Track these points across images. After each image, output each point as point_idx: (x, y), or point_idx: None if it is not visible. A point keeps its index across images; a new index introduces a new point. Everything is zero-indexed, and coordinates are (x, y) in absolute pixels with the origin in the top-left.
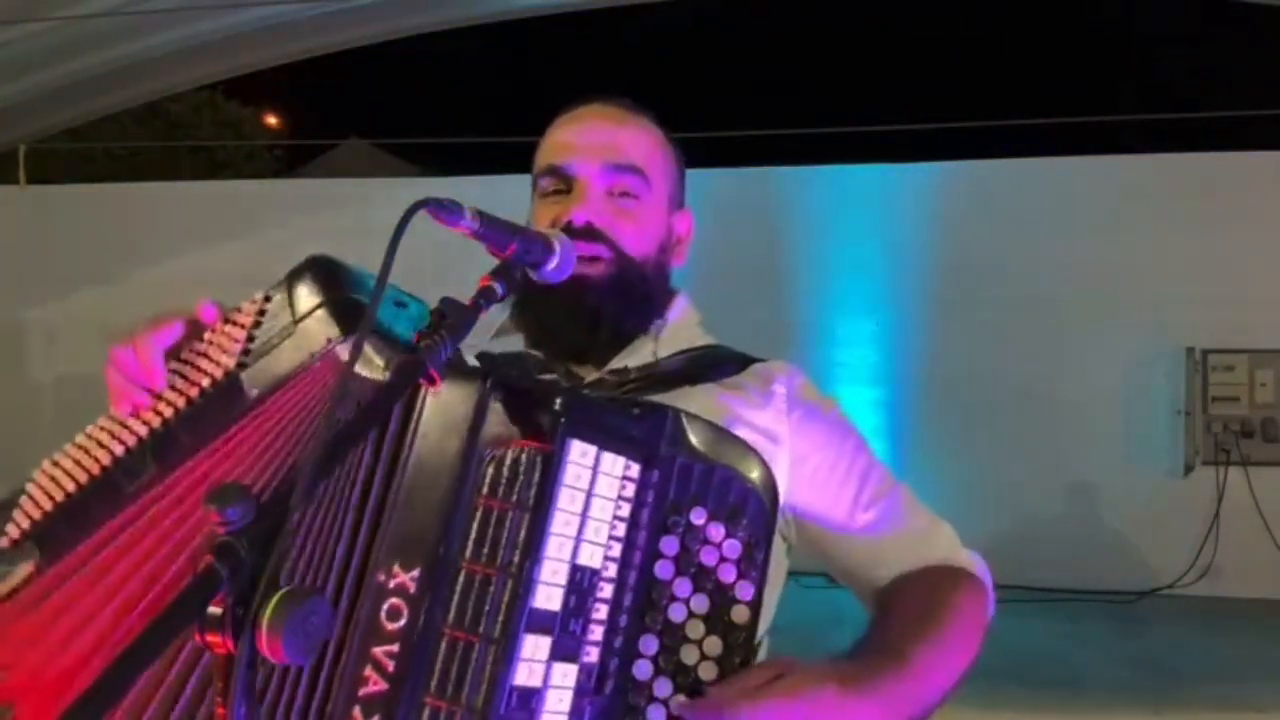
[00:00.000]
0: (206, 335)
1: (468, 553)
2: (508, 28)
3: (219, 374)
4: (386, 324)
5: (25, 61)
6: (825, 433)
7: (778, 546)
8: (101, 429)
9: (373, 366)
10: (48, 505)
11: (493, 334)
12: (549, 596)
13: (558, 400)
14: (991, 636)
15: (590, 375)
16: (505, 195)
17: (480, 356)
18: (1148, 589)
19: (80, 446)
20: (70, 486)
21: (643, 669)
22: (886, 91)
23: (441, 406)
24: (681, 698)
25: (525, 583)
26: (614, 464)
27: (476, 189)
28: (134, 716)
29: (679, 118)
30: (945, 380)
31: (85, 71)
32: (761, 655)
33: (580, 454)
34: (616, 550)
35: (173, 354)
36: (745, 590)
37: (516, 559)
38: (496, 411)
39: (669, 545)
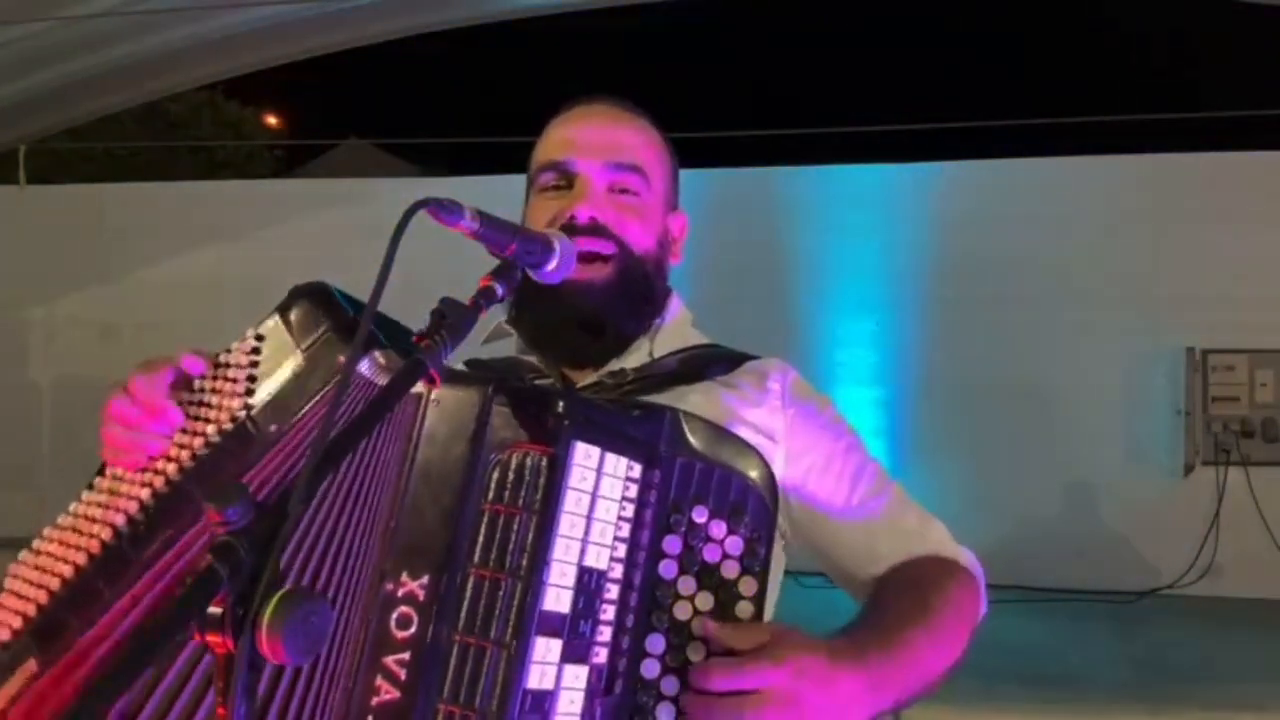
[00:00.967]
0: (198, 384)
1: (475, 558)
2: (508, 28)
3: (225, 420)
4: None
5: (25, 61)
6: (820, 430)
7: (775, 543)
8: (92, 502)
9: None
10: (42, 597)
11: (484, 339)
12: (558, 598)
13: (560, 404)
14: (991, 636)
15: (588, 378)
16: (505, 195)
17: (471, 363)
18: (1148, 589)
19: (69, 526)
20: (67, 571)
21: (650, 667)
22: (886, 91)
23: (446, 413)
24: (690, 694)
25: (534, 586)
26: (617, 465)
27: (476, 189)
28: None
29: (679, 117)
30: (945, 380)
31: (85, 71)
32: None
33: (584, 456)
34: (621, 551)
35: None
36: (749, 586)
37: (525, 562)
38: (500, 416)
39: (672, 544)
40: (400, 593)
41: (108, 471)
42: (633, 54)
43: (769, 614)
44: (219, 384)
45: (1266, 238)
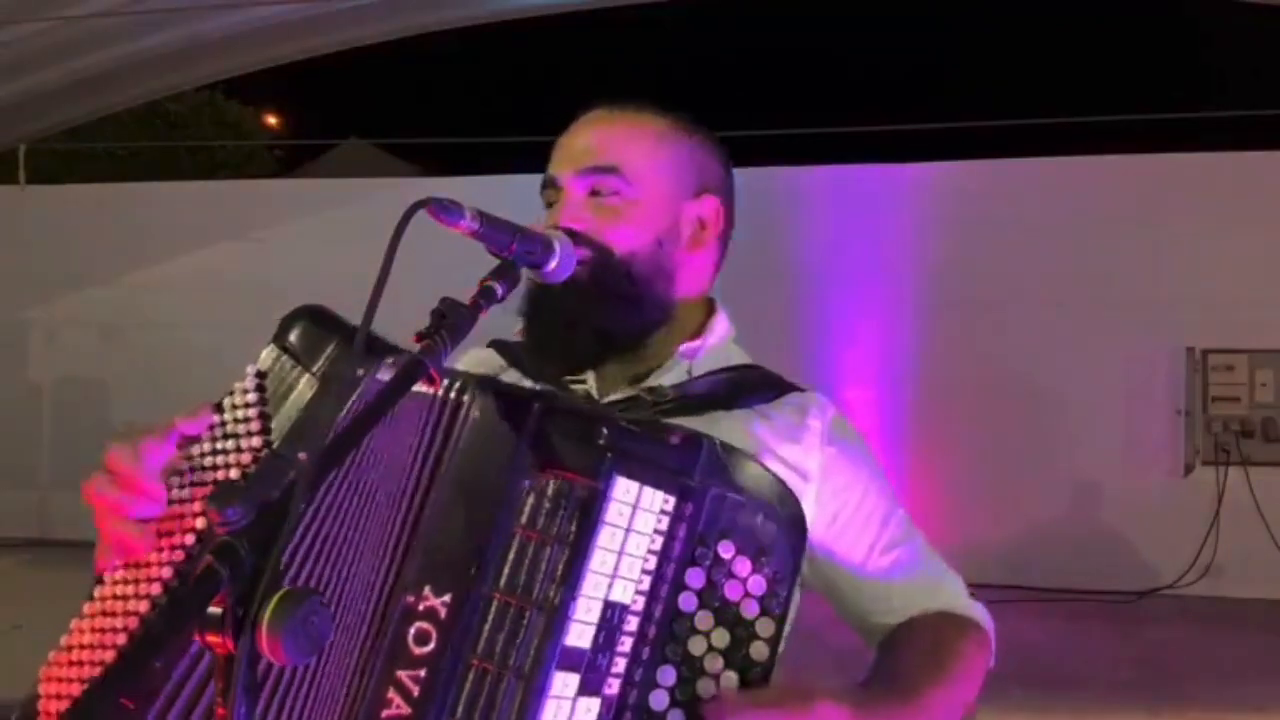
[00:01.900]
0: (205, 436)
1: (502, 582)
2: (508, 28)
3: (248, 460)
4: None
5: (25, 61)
6: (853, 474)
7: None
8: (102, 602)
9: (449, 388)
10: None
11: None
12: (581, 634)
13: (604, 431)
14: None
15: (621, 391)
16: (505, 195)
17: (495, 344)
18: (1148, 589)
19: (79, 643)
20: (109, 656)
21: (658, 699)
22: (886, 91)
23: (485, 427)
24: None
25: (559, 620)
26: (653, 499)
27: (476, 189)
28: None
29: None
30: (945, 380)
31: (85, 71)
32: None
33: (624, 491)
34: (646, 584)
35: (169, 470)
36: (766, 627)
37: (552, 594)
38: (542, 438)
39: (694, 577)
40: (421, 607)
41: (106, 578)
42: (633, 54)
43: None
44: (231, 427)
45: (1266, 238)
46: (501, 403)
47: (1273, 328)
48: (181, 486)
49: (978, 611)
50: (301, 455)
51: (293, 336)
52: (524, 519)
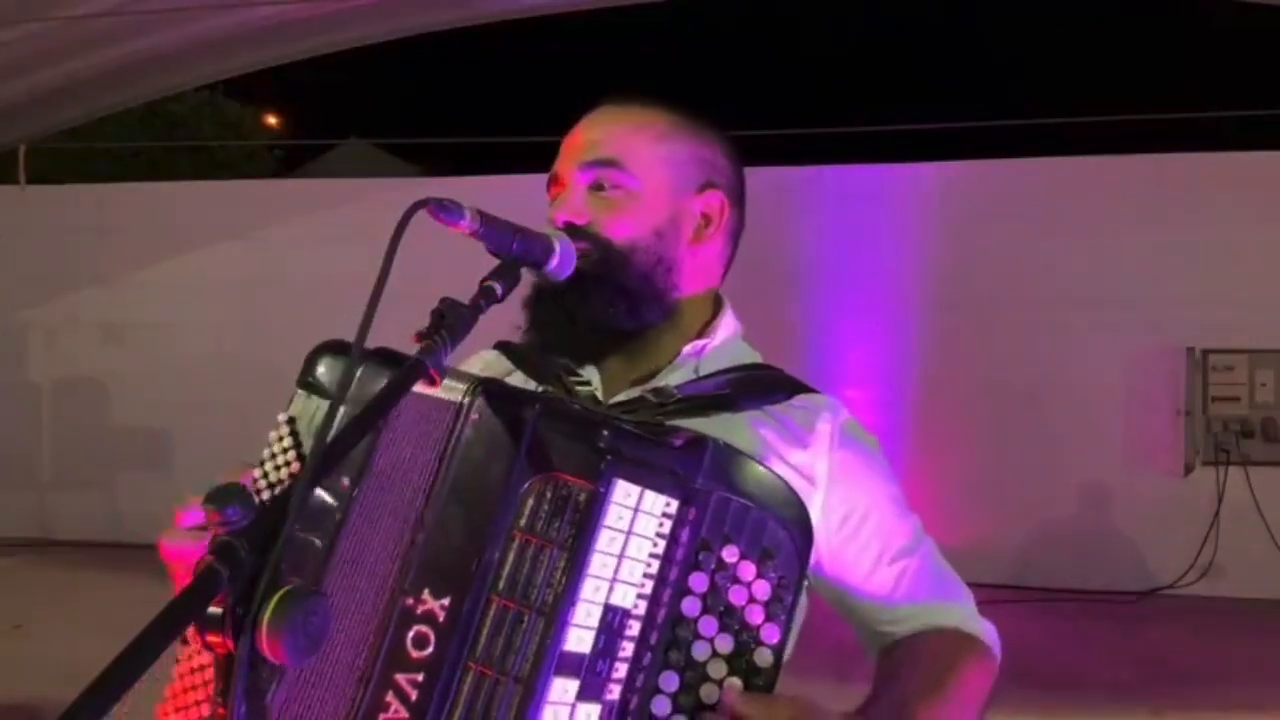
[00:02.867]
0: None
1: (501, 586)
2: (508, 28)
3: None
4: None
5: (25, 61)
6: (862, 480)
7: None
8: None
9: (450, 389)
10: None
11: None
12: (580, 640)
13: (604, 434)
14: None
15: (627, 391)
16: (505, 195)
17: (500, 345)
18: (1148, 589)
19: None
20: None
21: (661, 705)
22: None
23: (485, 430)
24: None
25: (558, 625)
26: (655, 502)
27: (476, 189)
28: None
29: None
30: (946, 380)
31: (85, 71)
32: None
33: (624, 495)
34: (648, 588)
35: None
36: (771, 633)
37: (551, 599)
38: (541, 441)
39: (698, 582)
40: (420, 610)
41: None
42: (633, 54)
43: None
44: (273, 476)
45: (1266, 238)
46: (501, 405)
47: (1273, 328)
48: None
49: (984, 629)
50: (344, 480)
51: (318, 371)
52: (523, 522)
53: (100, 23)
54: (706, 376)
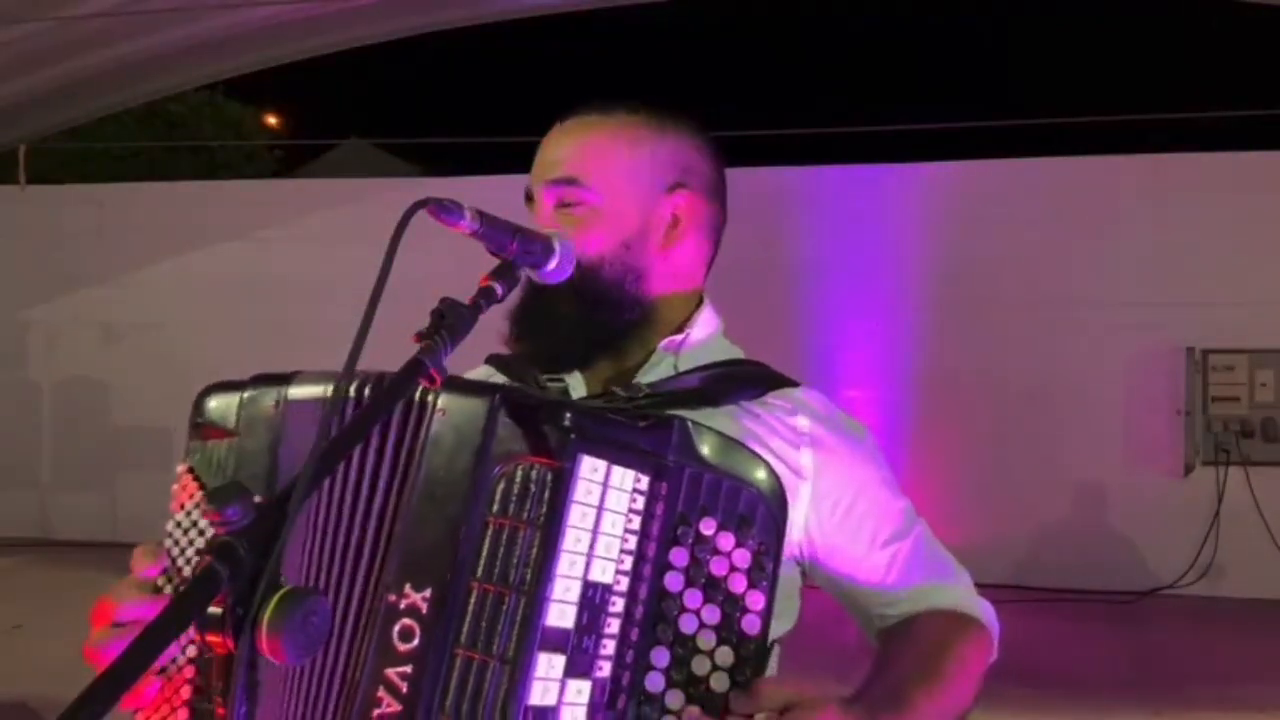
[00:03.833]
0: (171, 554)
1: (479, 571)
2: (508, 28)
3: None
4: None
5: (25, 61)
6: (849, 467)
7: (793, 572)
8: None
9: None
10: None
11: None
12: (562, 614)
13: (567, 415)
14: None
15: (570, 381)
16: (505, 195)
17: (492, 359)
18: (1148, 589)
19: None
20: None
21: (654, 681)
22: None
23: (451, 423)
24: (694, 709)
25: (538, 601)
26: (624, 478)
27: (476, 189)
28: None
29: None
30: (945, 380)
31: (85, 71)
32: (772, 662)
33: (591, 470)
34: (627, 564)
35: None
36: (755, 600)
37: (529, 578)
38: (506, 427)
39: (678, 556)
40: (403, 605)
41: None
42: (632, 54)
43: (788, 627)
44: (188, 531)
45: (1266, 238)
46: (465, 397)
47: (1273, 328)
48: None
49: (981, 608)
50: (256, 497)
51: (204, 414)
52: (495, 507)
53: (100, 23)
54: (685, 373)
